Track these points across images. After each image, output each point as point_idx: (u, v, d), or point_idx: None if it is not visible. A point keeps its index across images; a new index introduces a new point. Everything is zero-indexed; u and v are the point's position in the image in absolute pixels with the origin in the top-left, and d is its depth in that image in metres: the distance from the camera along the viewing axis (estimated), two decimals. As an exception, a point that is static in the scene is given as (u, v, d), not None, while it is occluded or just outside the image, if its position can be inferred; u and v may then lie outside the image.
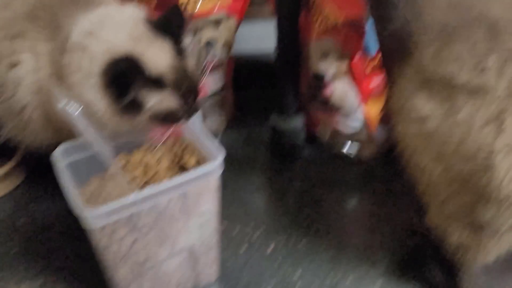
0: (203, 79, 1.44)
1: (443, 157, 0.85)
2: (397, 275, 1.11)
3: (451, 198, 0.88)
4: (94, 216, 0.84)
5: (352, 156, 1.46)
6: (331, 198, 1.33)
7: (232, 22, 1.45)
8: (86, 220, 0.85)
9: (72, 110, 0.87)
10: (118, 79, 0.92)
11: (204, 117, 1.52)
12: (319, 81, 1.34)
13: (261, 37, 1.59)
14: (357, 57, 1.28)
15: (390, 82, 0.95)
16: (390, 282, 1.10)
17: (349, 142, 1.45)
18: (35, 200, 1.33)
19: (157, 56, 0.96)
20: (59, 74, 0.99)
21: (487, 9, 0.83)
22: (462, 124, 0.81)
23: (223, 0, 1.39)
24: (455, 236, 0.92)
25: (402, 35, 0.89)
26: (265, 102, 1.60)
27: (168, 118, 0.99)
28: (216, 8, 1.39)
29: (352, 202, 1.35)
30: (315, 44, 1.32)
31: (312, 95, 1.39)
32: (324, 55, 1.32)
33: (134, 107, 0.95)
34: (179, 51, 0.99)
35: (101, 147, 0.90)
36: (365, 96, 1.34)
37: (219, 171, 0.95)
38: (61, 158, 0.97)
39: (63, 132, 1.08)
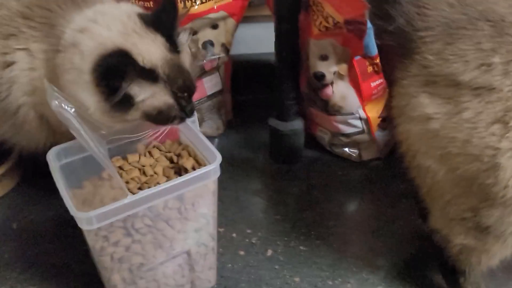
0: (199, 78, 1.44)
1: (448, 157, 0.84)
2: (399, 280, 1.10)
3: (456, 199, 0.87)
4: (89, 218, 0.83)
5: (352, 159, 1.45)
6: (332, 201, 1.32)
7: (231, 22, 1.44)
8: (81, 222, 0.84)
9: (66, 110, 0.86)
10: (109, 74, 0.90)
11: (203, 120, 1.51)
12: (319, 81, 1.33)
13: (260, 40, 1.58)
14: (357, 57, 1.27)
15: (392, 81, 0.94)
16: (392, 287, 1.09)
17: (350, 144, 1.43)
18: (29, 204, 1.31)
19: (150, 49, 0.95)
20: (54, 74, 0.98)
21: (492, 6, 0.83)
22: (467, 124, 0.80)
23: (222, 0, 1.39)
24: (459, 239, 0.91)
25: (405, 33, 0.89)
26: (264, 105, 1.59)
27: (161, 117, 0.97)
28: (215, 8, 1.38)
29: (352, 205, 1.34)
30: (315, 44, 1.31)
31: (312, 95, 1.39)
32: (324, 55, 1.31)
33: (126, 102, 0.93)
34: (173, 47, 0.98)
35: (96, 148, 0.89)
36: (366, 96, 1.33)
37: (216, 175, 0.93)
38: (55, 160, 0.96)
39: (58, 133, 1.08)
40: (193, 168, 0.99)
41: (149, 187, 0.92)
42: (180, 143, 1.06)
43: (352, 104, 1.35)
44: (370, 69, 1.29)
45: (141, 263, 0.94)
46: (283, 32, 1.32)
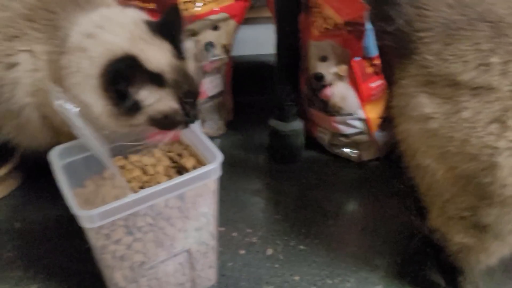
0: (202, 81, 1.44)
1: (446, 156, 0.84)
2: (398, 279, 1.10)
3: (454, 198, 0.88)
4: (91, 217, 0.83)
5: (352, 159, 1.45)
6: (331, 201, 1.33)
7: (232, 24, 1.45)
8: (83, 221, 0.84)
9: (69, 110, 0.86)
10: (117, 79, 0.91)
11: (203, 120, 1.52)
12: (318, 82, 1.34)
13: (260, 41, 1.59)
14: (356, 58, 1.28)
15: (391, 82, 0.95)
16: (390, 286, 1.09)
17: (349, 144, 1.44)
18: (31, 203, 1.32)
19: (157, 55, 0.95)
20: (57, 75, 0.98)
21: (491, 7, 0.83)
22: (465, 123, 0.81)
23: (223, 2, 1.39)
24: (458, 237, 0.91)
25: (404, 34, 0.89)
26: (264, 106, 1.60)
27: (166, 121, 0.98)
28: (216, 9, 1.39)
29: (352, 205, 1.34)
30: (315, 45, 1.32)
31: (312, 96, 1.39)
32: (324, 56, 1.31)
33: (133, 106, 0.94)
34: (179, 52, 0.99)
35: (98, 148, 0.89)
36: (365, 97, 1.33)
37: (216, 174, 0.94)
38: (57, 159, 0.97)
39: (61, 133, 1.08)
40: (194, 168, 0.99)
41: (150, 186, 0.93)
42: (181, 143, 1.07)
43: (352, 104, 1.35)
44: (369, 70, 1.30)
45: (142, 261, 0.95)
46: (284, 33, 1.33)
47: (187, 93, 0.98)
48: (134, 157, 1.02)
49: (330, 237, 1.21)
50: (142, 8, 1.09)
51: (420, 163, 0.90)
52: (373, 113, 1.36)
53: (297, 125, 1.43)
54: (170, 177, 0.99)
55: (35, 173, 1.39)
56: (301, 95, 1.43)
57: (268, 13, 1.51)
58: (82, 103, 0.93)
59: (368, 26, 1.16)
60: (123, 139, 1.01)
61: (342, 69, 1.31)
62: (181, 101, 0.97)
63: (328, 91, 1.35)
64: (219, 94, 1.53)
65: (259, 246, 1.19)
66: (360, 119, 1.37)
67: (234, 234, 1.22)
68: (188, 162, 1.00)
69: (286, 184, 1.39)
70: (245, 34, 1.58)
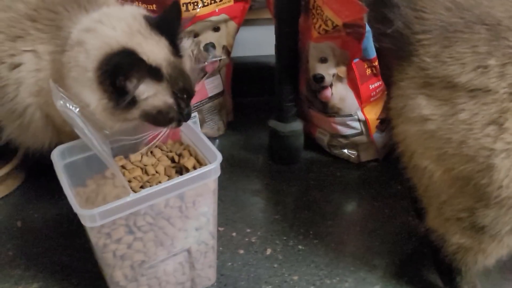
0: (200, 81, 1.45)
1: (444, 158, 0.85)
2: (396, 279, 1.11)
3: (451, 200, 0.88)
4: (92, 216, 0.84)
5: (351, 160, 1.46)
6: (330, 201, 1.33)
7: (232, 25, 1.45)
8: (84, 220, 0.85)
9: (71, 109, 0.87)
10: (115, 72, 0.91)
11: (204, 120, 1.52)
12: (318, 84, 1.34)
13: (260, 42, 1.59)
14: (356, 60, 1.28)
15: (390, 83, 0.95)
16: (388, 286, 1.10)
17: (348, 145, 1.45)
18: (33, 202, 1.32)
19: (154, 49, 0.96)
20: (59, 75, 0.99)
21: (489, 10, 0.84)
22: (462, 125, 0.82)
23: (224, 3, 1.40)
24: (455, 238, 0.92)
25: (403, 36, 0.90)
26: (264, 106, 1.61)
27: (159, 117, 0.98)
28: (217, 11, 1.40)
29: (350, 206, 1.35)
30: (315, 47, 1.32)
31: (311, 97, 1.40)
32: (323, 58, 1.32)
33: (129, 101, 0.94)
34: (176, 49, 0.99)
35: (100, 147, 0.90)
36: (364, 98, 1.34)
37: (216, 175, 0.95)
38: (59, 159, 0.97)
39: (63, 133, 1.08)
40: (194, 168, 1.00)
41: (151, 186, 0.94)
42: (181, 143, 1.08)
43: (351, 106, 1.36)
44: (368, 71, 1.30)
45: (143, 260, 0.95)
46: (283, 35, 1.34)
47: (182, 89, 0.98)
48: (135, 157, 1.03)
49: (329, 237, 1.22)
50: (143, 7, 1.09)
51: (417, 164, 0.90)
52: (372, 114, 1.37)
53: (297, 126, 1.43)
54: (170, 177, 0.99)
55: (36, 172, 1.39)
56: (301, 96, 1.44)
57: (268, 15, 1.51)
58: (80, 98, 0.94)
59: (367, 28, 1.17)
60: (121, 135, 1.02)
61: (342, 70, 1.32)
62: (176, 97, 0.98)
63: (327, 92, 1.35)
64: (219, 94, 1.53)
65: (258, 246, 1.20)
66: (359, 120, 1.38)
67: (234, 234, 1.23)
68: (188, 162, 1.01)
69: (286, 184, 1.40)
70: (245, 35, 1.59)
